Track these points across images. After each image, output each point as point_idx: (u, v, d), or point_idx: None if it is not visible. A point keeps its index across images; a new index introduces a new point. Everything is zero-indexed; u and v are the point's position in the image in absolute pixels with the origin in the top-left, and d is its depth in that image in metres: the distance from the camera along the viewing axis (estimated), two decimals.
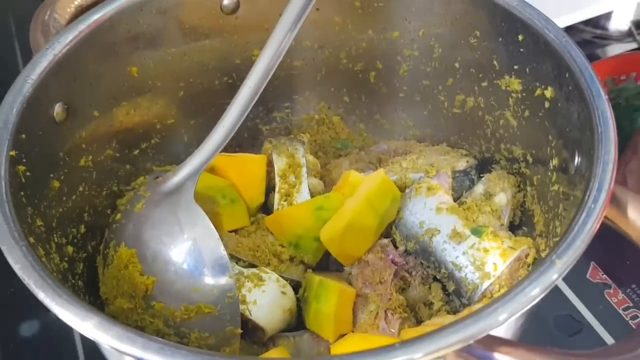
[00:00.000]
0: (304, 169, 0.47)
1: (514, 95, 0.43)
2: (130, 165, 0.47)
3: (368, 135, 0.55)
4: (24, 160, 0.36)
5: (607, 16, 0.92)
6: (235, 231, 0.45)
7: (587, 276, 0.55)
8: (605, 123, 0.34)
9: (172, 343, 0.28)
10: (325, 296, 0.41)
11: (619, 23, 0.91)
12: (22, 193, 0.35)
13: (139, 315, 0.37)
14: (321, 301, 0.41)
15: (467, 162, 0.47)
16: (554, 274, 0.28)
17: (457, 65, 0.47)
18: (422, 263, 0.43)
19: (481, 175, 0.47)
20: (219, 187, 0.45)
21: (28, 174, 0.36)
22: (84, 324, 0.28)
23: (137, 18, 0.43)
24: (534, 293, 0.28)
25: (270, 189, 0.48)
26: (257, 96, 0.41)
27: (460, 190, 0.47)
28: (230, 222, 0.45)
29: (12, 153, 0.35)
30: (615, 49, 0.91)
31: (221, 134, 0.41)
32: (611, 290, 0.54)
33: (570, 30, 0.88)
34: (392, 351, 0.26)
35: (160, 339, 0.28)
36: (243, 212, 0.46)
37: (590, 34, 0.93)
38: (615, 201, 0.32)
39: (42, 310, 0.51)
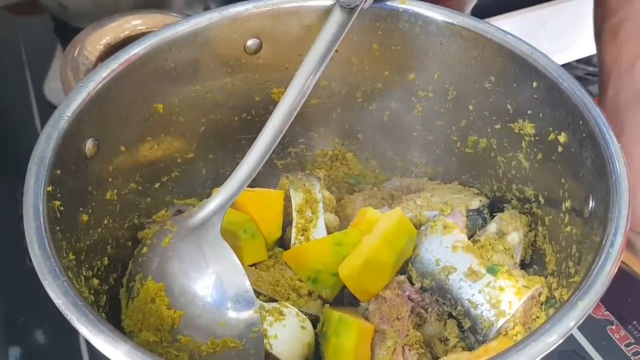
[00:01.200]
0: (321, 205, 0.48)
1: (527, 138, 0.45)
2: (151, 198, 0.48)
3: (380, 172, 0.56)
4: (59, 195, 0.37)
5: None
6: (254, 265, 0.46)
7: (591, 312, 0.57)
8: (620, 171, 0.36)
9: None
10: (345, 332, 0.42)
11: None
12: (57, 228, 0.36)
13: (164, 348, 0.38)
14: (341, 337, 0.42)
15: (480, 201, 0.49)
16: (572, 320, 0.29)
17: (471, 107, 0.48)
18: (437, 300, 0.44)
19: (493, 214, 0.49)
20: (240, 222, 0.46)
21: (62, 208, 0.37)
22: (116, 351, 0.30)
23: (165, 57, 0.45)
24: (552, 339, 0.29)
25: (287, 223, 0.49)
26: (282, 135, 0.43)
27: (473, 228, 0.48)
28: (250, 257, 0.46)
29: (50, 189, 0.36)
30: None
31: (246, 170, 0.43)
32: (613, 327, 0.55)
33: (563, 67, 0.91)
34: None
35: None
36: (262, 246, 0.47)
37: (583, 71, 0.96)
38: (630, 246, 0.34)
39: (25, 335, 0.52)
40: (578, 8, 1.07)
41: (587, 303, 0.30)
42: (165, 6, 0.66)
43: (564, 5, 1.16)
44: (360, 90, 0.52)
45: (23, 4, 0.81)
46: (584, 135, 0.39)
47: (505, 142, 0.47)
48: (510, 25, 1.15)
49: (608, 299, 0.57)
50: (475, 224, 0.48)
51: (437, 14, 0.46)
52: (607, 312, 0.57)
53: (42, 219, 0.34)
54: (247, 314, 0.39)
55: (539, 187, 0.45)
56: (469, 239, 0.46)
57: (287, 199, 0.49)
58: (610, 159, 0.36)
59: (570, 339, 0.55)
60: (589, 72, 0.96)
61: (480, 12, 1.09)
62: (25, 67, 0.78)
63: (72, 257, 0.37)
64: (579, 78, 0.95)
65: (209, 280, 0.39)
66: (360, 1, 0.45)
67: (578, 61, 0.98)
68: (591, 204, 0.37)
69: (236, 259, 0.40)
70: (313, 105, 0.53)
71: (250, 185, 0.50)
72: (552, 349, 0.29)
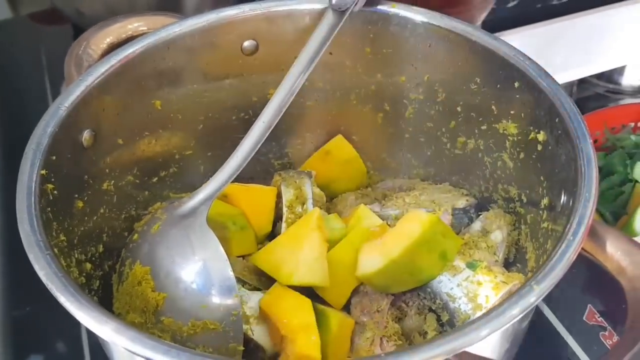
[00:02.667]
0: (310, 201, 0.50)
1: (510, 138, 0.46)
2: (148, 192, 0.50)
3: (375, 173, 0.57)
4: (53, 179, 0.39)
5: (620, 71, 0.94)
6: (243, 257, 0.48)
7: (584, 318, 0.57)
8: (588, 164, 0.36)
9: (179, 346, 0.30)
10: (325, 323, 0.43)
11: (632, 78, 0.94)
12: (49, 209, 0.38)
13: (149, 329, 0.40)
14: (321, 328, 0.43)
15: (467, 200, 0.50)
16: (532, 297, 0.30)
17: (459, 109, 0.49)
18: (419, 294, 0.45)
19: (479, 213, 0.49)
20: (230, 214, 0.48)
21: (55, 192, 0.39)
22: (102, 327, 0.31)
23: (163, 56, 0.47)
24: (514, 313, 0.30)
25: (278, 218, 0.51)
26: (270, 130, 0.45)
27: (459, 227, 0.49)
28: (238, 248, 0.47)
29: (43, 172, 0.38)
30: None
31: (234, 164, 0.44)
32: (606, 333, 0.55)
33: (583, 83, 0.91)
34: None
35: (169, 342, 0.31)
36: (251, 239, 0.48)
37: (604, 88, 0.96)
38: (595, 236, 0.35)
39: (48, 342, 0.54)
40: (594, 23, 1.07)
41: (543, 287, 0.31)
42: (177, 10, 0.69)
43: (579, 20, 1.16)
44: (354, 92, 0.54)
45: (46, 13, 0.85)
46: (559, 132, 0.40)
47: (491, 143, 0.48)
48: (525, 40, 1.15)
49: (602, 306, 0.57)
50: (461, 223, 0.49)
51: (425, 17, 0.48)
52: (600, 318, 0.57)
53: (33, 198, 0.36)
54: (227, 299, 0.40)
55: (521, 186, 0.46)
56: None
57: (280, 196, 0.51)
58: (581, 153, 0.37)
59: (563, 343, 0.56)
60: (609, 89, 0.96)
61: (494, 26, 1.10)
62: (45, 73, 0.81)
63: (62, 238, 0.39)
64: (598, 95, 0.94)
65: (194, 265, 0.41)
66: (350, 4, 0.47)
67: (598, 77, 0.98)
68: (563, 198, 0.38)
69: (220, 247, 0.42)
70: (309, 107, 0.55)
71: (248, 183, 0.52)
72: (513, 322, 0.30)
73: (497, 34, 1.20)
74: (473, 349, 0.30)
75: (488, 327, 0.29)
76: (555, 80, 0.41)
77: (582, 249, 0.34)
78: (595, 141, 0.63)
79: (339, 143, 0.55)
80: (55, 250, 0.35)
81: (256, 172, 0.57)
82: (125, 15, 0.50)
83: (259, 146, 0.45)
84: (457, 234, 0.48)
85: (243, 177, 0.55)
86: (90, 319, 0.31)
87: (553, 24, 1.17)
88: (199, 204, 0.43)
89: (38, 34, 0.87)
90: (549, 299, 0.56)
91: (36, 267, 0.33)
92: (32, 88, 0.80)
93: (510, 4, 1.16)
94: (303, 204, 0.50)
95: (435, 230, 0.42)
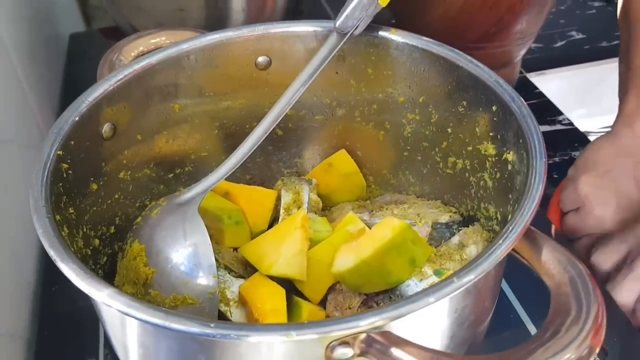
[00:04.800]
0: (305, 205, 0.54)
1: (490, 159, 0.49)
2: (163, 186, 0.56)
3: (376, 188, 0.61)
4: (69, 160, 0.45)
5: None
6: (235, 249, 0.53)
7: None
8: (539, 178, 0.39)
9: (167, 310, 0.34)
10: (297, 313, 0.47)
11: None
12: (60, 184, 0.44)
13: (139, 299, 0.45)
14: (293, 317, 0.47)
15: (450, 216, 0.53)
16: (455, 286, 0.33)
17: (449, 130, 0.53)
18: (390, 297, 0.48)
19: (460, 228, 0.52)
20: (227, 209, 0.52)
21: (70, 172, 0.45)
22: (77, 278, 0.36)
23: (182, 64, 0.53)
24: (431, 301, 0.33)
25: (276, 219, 0.55)
26: (266, 134, 0.50)
27: (440, 240, 0.52)
28: (231, 240, 0.52)
29: (60, 153, 0.44)
30: None
31: (232, 163, 0.49)
32: None
33: None
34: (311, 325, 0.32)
35: (158, 306, 0.35)
36: (245, 234, 0.53)
37: None
38: (535, 245, 0.37)
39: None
40: None
41: (465, 280, 0.33)
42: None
43: None
44: (358, 110, 0.58)
45: (113, 29, 0.94)
46: (522, 152, 0.43)
47: (475, 163, 0.51)
48: (571, 79, 1.16)
49: None
50: (442, 237, 0.52)
51: (420, 44, 0.51)
52: None
53: (46, 172, 0.42)
54: (207, 279, 0.45)
55: (497, 205, 0.49)
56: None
57: (280, 198, 0.56)
58: (533, 169, 0.40)
59: None
60: None
61: (539, 63, 1.12)
62: None
63: (71, 211, 0.44)
64: None
65: (183, 247, 0.46)
66: (351, 28, 0.52)
67: None
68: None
69: (207, 234, 0.47)
70: (317, 121, 0.60)
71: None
72: (435, 303, 0.33)
73: (541, 72, 1.21)
74: (407, 335, 0.33)
75: (404, 308, 0.32)
76: (524, 103, 0.44)
77: (518, 253, 0.37)
78: None
79: (341, 157, 0.59)
80: (58, 217, 0.41)
81: (267, 177, 0.62)
82: (158, 29, 0.57)
83: (255, 147, 0.49)
84: (437, 246, 0.51)
85: (254, 181, 0.61)
86: (70, 270, 0.36)
87: (600, 65, 1.17)
88: (195, 195, 0.49)
89: (103, 47, 0.96)
90: (529, 307, 0.58)
91: (36, 226, 0.38)
92: None
93: (558, 44, 1.18)
94: (299, 207, 0.54)
95: (405, 236, 0.45)
